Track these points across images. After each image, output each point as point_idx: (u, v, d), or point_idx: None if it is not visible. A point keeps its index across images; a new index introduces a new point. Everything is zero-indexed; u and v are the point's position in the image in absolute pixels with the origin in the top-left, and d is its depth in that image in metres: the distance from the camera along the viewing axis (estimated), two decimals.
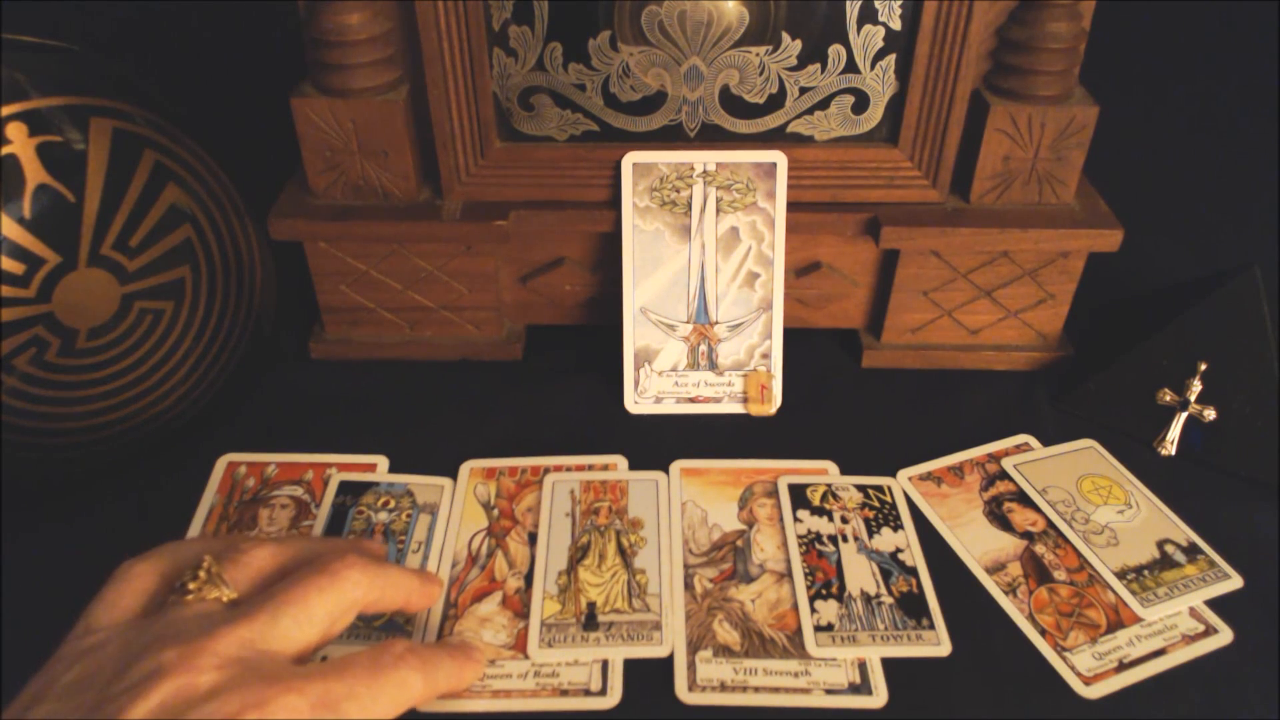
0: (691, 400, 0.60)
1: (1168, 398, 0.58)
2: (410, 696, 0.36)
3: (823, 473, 0.56)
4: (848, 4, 0.54)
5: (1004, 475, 0.56)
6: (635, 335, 0.60)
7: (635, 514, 0.53)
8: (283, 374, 0.63)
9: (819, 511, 0.53)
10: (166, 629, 0.34)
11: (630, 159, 0.58)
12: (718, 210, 0.59)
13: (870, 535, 0.52)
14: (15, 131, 0.46)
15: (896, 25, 0.54)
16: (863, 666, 0.46)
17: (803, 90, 0.57)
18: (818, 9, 0.54)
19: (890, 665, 0.46)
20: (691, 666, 0.45)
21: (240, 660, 0.33)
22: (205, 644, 0.32)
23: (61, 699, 0.32)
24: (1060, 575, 0.50)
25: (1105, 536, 0.52)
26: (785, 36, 0.55)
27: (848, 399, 0.62)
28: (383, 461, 0.56)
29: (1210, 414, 0.56)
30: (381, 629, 0.47)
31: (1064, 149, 0.57)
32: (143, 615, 0.36)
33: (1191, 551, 0.51)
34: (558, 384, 0.63)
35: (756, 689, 0.45)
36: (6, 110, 0.46)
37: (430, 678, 0.37)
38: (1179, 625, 0.48)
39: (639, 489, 0.54)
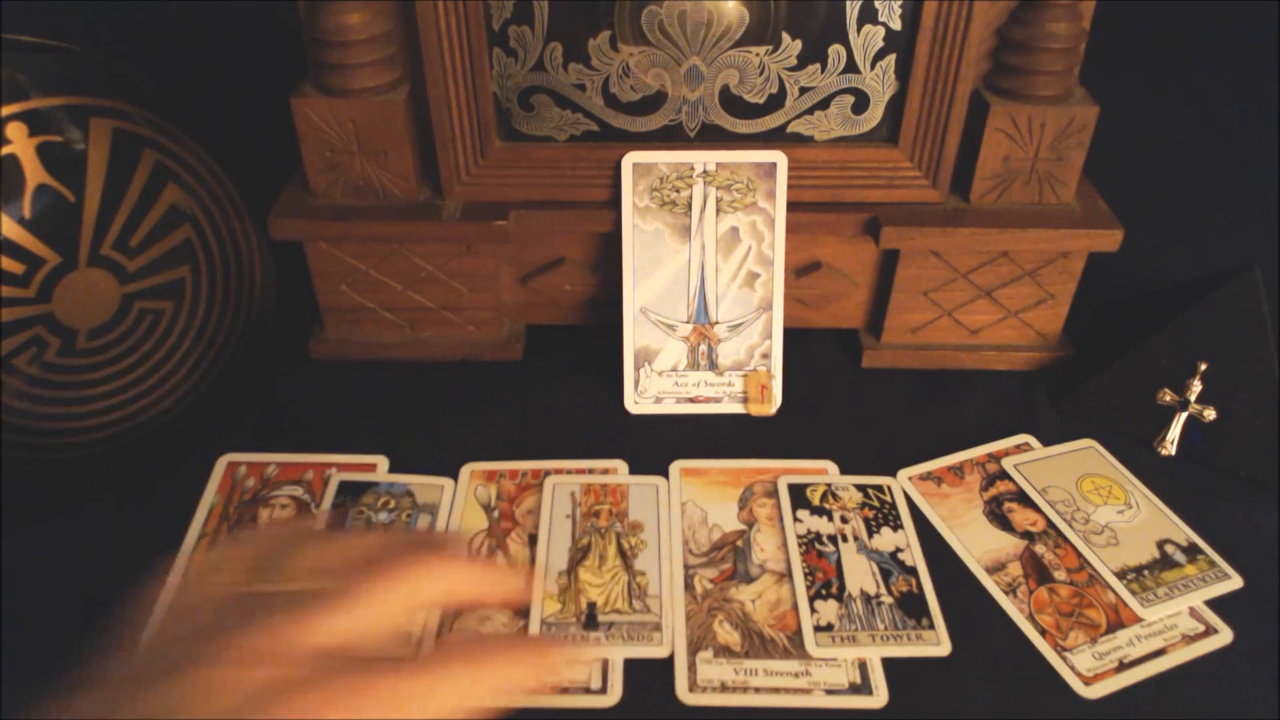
0: (691, 400, 0.60)
1: (1168, 398, 0.58)
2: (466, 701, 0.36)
3: (822, 472, 0.56)
4: (848, 4, 0.54)
5: (1004, 475, 0.56)
6: (635, 335, 0.60)
7: (635, 518, 0.53)
8: (283, 374, 0.63)
9: (819, 511, 0.53)
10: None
11: (630, 159, 0.58)
12: (718, 210, 0.59)
13: (870, 535, 0.52)
14: (15, 131, 0.46)
15: (896, 25, 0.54)
16: (863, 667, 0.46)
17: (803, 90, 0.57)
18: (818, 9, 0.54)
19: (890, 665, 0.46)
20: (692, 667, 0.46)
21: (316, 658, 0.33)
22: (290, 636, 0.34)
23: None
24: (1060, 575, 0.50)
25: (1105, 536, 0.52)
26: (785, 36, 0.55)
27: (848, 399, 0.62)
28: (383, 462, 0.56)
29: (1210, 414, 0.56)
30: None
31: (1064, 149, 0.57)
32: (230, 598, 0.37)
33: (1191, 551, 0.51)
34: (558, 384, 0.63)
35: (757, 689, 0.45)
36: (6, 110, 0.46)
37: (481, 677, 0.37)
38: (1179, 625, 0.48)
39: (639, 493, 0.54)
